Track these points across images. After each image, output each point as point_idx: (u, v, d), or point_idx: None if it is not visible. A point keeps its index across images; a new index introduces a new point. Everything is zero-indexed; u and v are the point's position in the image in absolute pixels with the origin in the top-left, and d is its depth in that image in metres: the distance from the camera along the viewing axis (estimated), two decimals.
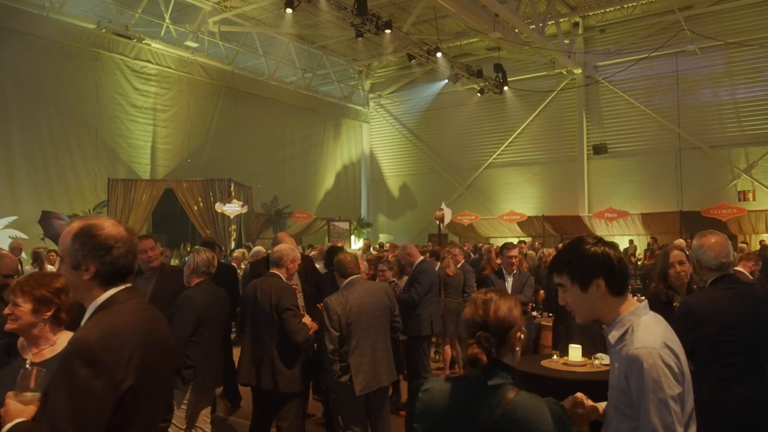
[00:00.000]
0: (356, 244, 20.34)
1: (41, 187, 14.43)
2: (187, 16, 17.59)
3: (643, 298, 1.95)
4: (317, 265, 5.94)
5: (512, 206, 20.73)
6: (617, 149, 19.49)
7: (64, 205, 14.22)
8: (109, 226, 1.67)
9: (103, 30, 15.76)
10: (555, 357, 3.98)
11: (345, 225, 21.37)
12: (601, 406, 1.95)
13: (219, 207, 14.85)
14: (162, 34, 17.23)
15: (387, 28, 14.49)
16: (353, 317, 3.80)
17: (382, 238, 22.17)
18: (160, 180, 16.12)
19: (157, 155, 17.41)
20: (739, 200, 17.15)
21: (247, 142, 19.34)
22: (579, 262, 1.81)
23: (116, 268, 1.65)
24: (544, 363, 3.91)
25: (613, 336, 1.81)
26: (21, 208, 13.77)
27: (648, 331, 1.72)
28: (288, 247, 4.45)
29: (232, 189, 15.47)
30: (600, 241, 1.84)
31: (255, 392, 4.20)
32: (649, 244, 16.56)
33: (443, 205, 11.15)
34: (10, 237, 12.71)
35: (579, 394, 1.98)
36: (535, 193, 20.88)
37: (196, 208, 15.27)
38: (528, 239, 18.96)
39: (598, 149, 19.61)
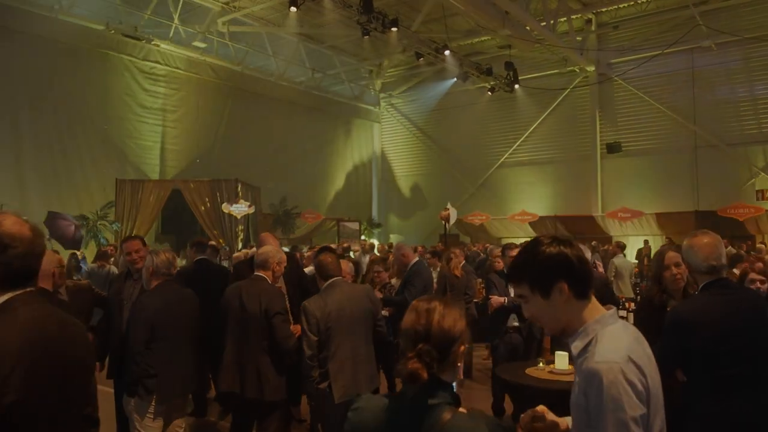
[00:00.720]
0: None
1: (50, 188, 14.49)
2: (195, 16, 17.59)
3: (612, 306, 1.79)
4: (310, 268, 5.80)
5: (524, 206, 20.45)
6: (631, 148, 19.12)
7: (73, 206, 14.26)
8: (8, 224, 1.54)
9: (112, 31, 15.81)
10: (541, 365, 3.79)
11: (355, 225, 21.27)
12: (566, 420, 1.78)
13: (226, 207, 14.82)
14: (171, 34, 17.24)
15: (393, 26, 14.34)
16: (332, 321, 3.65)
17: (393, 238, 22.01)
18: (167, 180, 16.14)
19: (166, 156, 17.44)
20: (758, 199, 16.71)
21: (257, 142, 19.30)
22: (536, 266, 1.64)
23: (11, 270, 1.52)
24: (529, 371, 3.73)
25: (576, 347, 1.64)
26: (30, 208, 13.80)
27: (612, 343, 1.54)
28: (273, 249, 4.34)
29: (239, 189, 15.43)
30: (555, 240, 1.67)
31: (236, 400, 4.07)
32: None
33: (449, 205, 10.99)
34: None
35: (540, 407, 1.81)
36: (548, 193, 20.57)
37: (203, 208, 15.26)
38: None
39: (612, 148, 19.26)
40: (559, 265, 1.61)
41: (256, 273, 4.09)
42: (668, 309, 3.34)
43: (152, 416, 3.37)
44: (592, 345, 1.56)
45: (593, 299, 1.65)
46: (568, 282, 1.60)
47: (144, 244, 4.64)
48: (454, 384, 1.75)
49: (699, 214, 16.87)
